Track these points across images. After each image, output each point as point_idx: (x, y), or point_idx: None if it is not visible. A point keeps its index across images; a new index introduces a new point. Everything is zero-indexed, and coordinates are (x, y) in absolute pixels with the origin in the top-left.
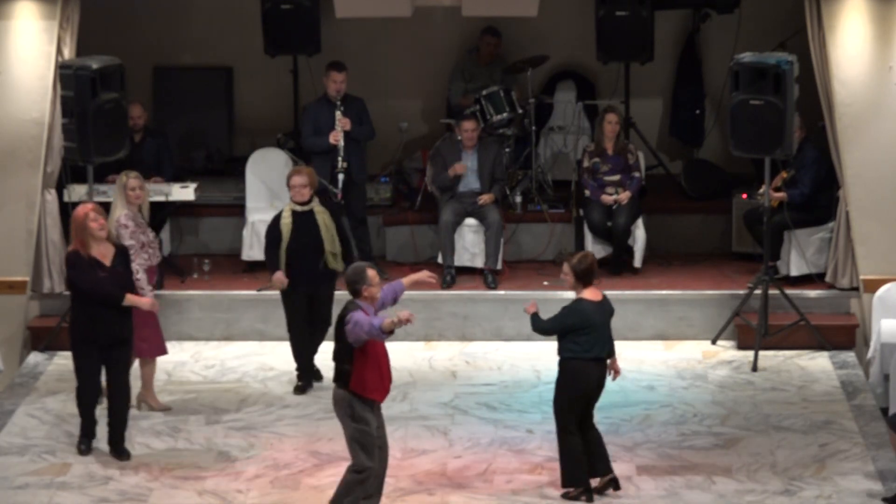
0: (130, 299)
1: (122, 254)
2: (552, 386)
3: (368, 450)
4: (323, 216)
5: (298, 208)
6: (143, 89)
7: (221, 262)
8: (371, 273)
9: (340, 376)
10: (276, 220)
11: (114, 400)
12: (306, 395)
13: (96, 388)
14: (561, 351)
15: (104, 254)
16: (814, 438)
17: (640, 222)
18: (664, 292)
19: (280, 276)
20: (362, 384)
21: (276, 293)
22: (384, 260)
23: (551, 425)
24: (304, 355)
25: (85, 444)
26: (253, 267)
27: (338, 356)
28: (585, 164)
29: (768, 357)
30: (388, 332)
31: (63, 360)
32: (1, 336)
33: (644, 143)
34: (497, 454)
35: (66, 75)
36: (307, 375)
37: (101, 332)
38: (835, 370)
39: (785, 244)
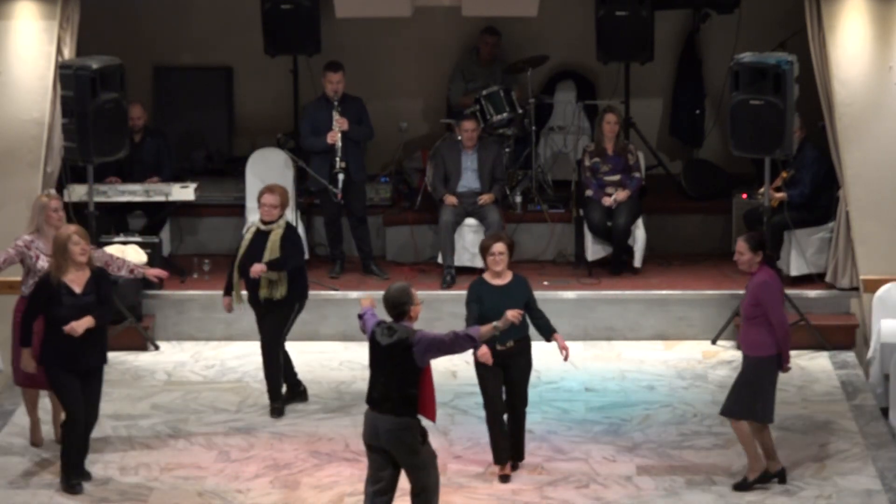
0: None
1: (98, 279)
2: (552, 386)
3: (436, 470)
4: (276, 234)
5: (263, 227)
6: (143, 89)
7: (221, 262)
8: (414, 291)
9: (406, 405)
10: (244, 234)
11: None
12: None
13: (84, 414)
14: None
15: (79, 280)
16: (814, 438)
17: (640, 222)
18: (664, 292)
19: (226, 303)
20: (427, 406)
21: None
22: (384, 260)
23: (551, 425)
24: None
25: (77, 481)
26: None
27: (399, 384)
28: (586, 163)
29: None
30: (485, 341)
31: None
32: (1, 336)
33: (644, 143)
34: None
35: (66, 75)
36: (282, 394)
37: (75, 359)
38: (835, 370)
39: (785, 244)
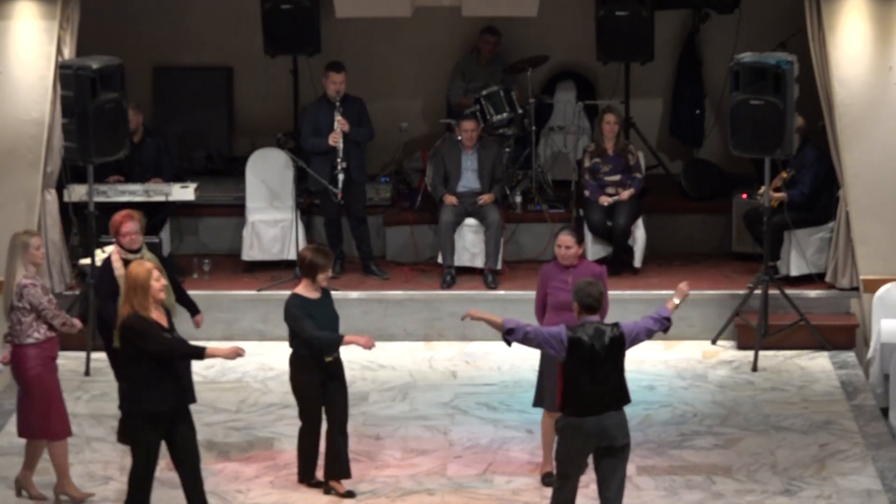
0: (211, 351)
1: (169, 315)
2: None
3: None
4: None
5: (131, 256)
6: (143, 89)
7: (221, 262)
8: None
9: (624, 395)
10: (108, 270)
11: (191, 471)
12: None
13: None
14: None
15: (160, 316)
16: (814, 438)
17: (640, 222)
18: (664, 292)
19: None
20: None
21: (276, 292)
22: (384, 260)
23: None
24: None
25: None
26: (253, 267)
27: (621, 377)
28: (586, 164)
29: (768, 357)
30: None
31: (62, 361)
32: (1, 336)
33: (644, 143)
34: (497, 454)
35: (66, 75)
36: None
37: (170, 401)
38: (835, 370)
39: (785, 244)
